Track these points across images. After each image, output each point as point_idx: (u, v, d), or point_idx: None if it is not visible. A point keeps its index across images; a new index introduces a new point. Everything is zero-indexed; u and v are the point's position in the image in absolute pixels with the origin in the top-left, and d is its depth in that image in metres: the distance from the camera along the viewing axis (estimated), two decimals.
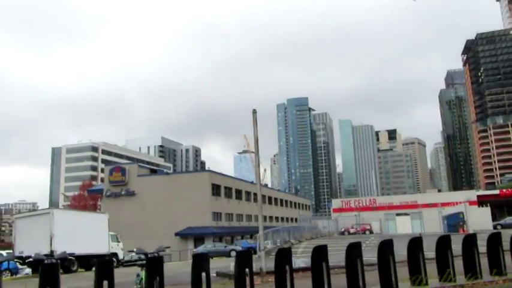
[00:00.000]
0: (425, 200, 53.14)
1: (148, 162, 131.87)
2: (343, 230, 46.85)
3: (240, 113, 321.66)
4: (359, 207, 53.92)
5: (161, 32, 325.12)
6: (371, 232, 45.86)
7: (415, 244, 8.26)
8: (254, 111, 24.20)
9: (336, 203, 60.75)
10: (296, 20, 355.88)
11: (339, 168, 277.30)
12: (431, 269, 8.33)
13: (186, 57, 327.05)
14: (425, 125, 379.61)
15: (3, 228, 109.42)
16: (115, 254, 26.07)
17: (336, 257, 10.01)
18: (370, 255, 9.88)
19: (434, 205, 47.38)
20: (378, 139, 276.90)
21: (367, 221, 48.73)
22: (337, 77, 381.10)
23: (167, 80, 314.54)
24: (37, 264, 17.91)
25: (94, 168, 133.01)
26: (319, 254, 7.42)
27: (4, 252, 25.49)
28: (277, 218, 76.16)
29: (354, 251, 7.55)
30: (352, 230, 46.35)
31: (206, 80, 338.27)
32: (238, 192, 63.73)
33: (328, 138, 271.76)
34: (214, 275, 12.42)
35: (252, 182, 66.42)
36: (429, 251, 8.56)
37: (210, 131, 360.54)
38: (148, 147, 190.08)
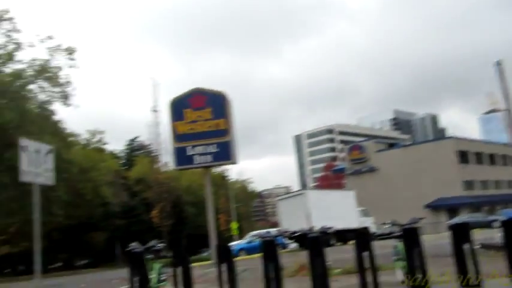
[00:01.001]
0: None
1: (384, 137, 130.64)
2: None
3: (477, 69, 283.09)
4: None
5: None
6: None
7: None
8: (498, 63, 21.07)
9: None
10: None
11: None
12: None
13: (400, 19, 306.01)
14: None
15: (267, 210, 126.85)
16: (366, 228, 26.93)
17: None
18: None
19: None
20: None
21: None
22: None
23: (387, 50, 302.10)
24: (302, 239, 20.16)
25: (332, 149, 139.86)
26: None
27: (273, 230, 29.54)
28: None
29: None
30: None
31: (430, 40, 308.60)
32: (491, 157, 56.70)
33: None
34: (478, 246, 11.49)
35: (505, 144, 58.12)
36: None
37: (445, 95, 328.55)
38: (382, 122, 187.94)
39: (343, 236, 24.10)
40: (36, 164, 9.05)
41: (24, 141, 9.11)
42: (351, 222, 24.84)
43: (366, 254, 7.26)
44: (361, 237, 7.65)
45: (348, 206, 26.34)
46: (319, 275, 7.22)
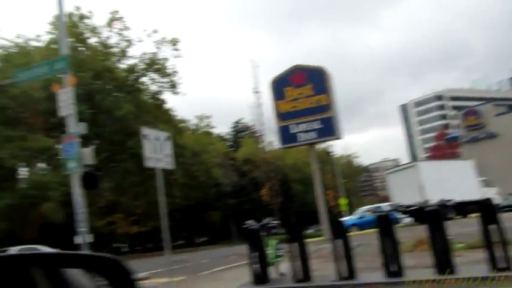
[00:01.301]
0: None
1: (503, 99, 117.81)
2: None
3: None
4: None
5: None
6: None
7: None
8: None
9: None
10: None
11: None
12: None
13: None
14: None
15: (376, 185, 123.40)
16: (489, 200, 24.87)
17: None
18: None
19: None
20: None
21: None
22: None
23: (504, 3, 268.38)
24: (418, 213, 19.34)
25: (444, 117, 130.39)
26: None
27: (384, 205, 28.67)
28: None
29: None
30: None
31: None
32: None
33: None
34: None
35: None
36: None
37: None
38: (499, 82, 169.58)
39: (463, 208, 22.56)
40: (157, 151, 9.88)
41: (145, 130, 9.99)
42: (471, 194, 23.10)
43: (492, 227, 6.77)
44: (486, 210, 7.14)
45: (466, 176, 24.50)
46: (441, 249, 6.91)
